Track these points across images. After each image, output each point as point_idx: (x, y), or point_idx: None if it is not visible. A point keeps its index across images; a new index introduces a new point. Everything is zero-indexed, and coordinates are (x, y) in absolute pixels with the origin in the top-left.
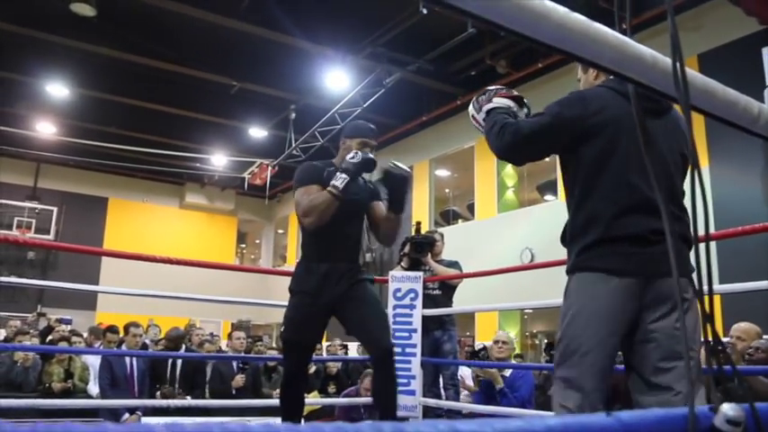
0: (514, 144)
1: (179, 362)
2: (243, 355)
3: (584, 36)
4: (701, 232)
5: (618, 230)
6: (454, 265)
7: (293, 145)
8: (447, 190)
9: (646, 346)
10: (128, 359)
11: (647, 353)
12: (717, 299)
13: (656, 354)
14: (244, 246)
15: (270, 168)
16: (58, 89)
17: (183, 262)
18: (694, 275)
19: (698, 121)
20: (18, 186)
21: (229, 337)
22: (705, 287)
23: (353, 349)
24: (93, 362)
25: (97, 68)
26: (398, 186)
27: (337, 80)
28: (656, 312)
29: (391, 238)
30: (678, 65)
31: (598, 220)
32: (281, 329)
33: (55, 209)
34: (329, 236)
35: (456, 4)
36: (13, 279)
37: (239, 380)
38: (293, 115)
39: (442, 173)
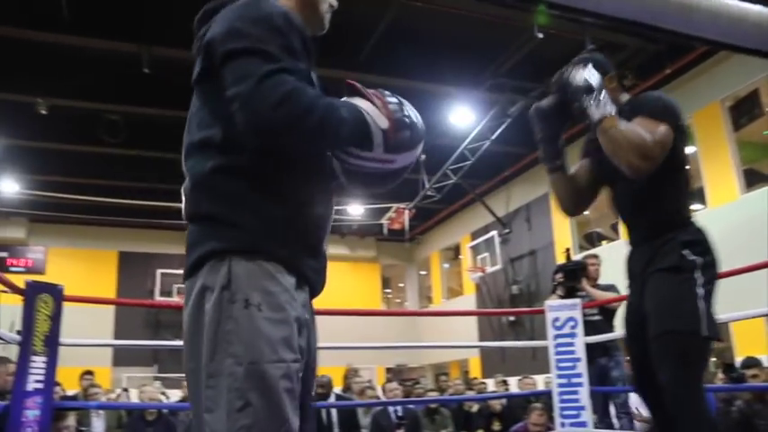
0: None
1: (333, 410)
2: (401, 399)
3: None
4: None
5: None
6: (611, 288)
7: (427, 186)
8: (586, 212)
9: None
10: None
11: None
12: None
13: None
14: (389, 291)
15: (407, 212)
16: None
17: (338, 312)
18: None
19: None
20: (175, 256)
21: (384, 388)
22: None
23: (514, 384)
24: None
25: None
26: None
27: (462, 116)
28: None
29: (623, 157)
30: None
31: None
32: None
33: None
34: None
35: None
36: (178, 342)
37: None
38: (423, 157)
39: None
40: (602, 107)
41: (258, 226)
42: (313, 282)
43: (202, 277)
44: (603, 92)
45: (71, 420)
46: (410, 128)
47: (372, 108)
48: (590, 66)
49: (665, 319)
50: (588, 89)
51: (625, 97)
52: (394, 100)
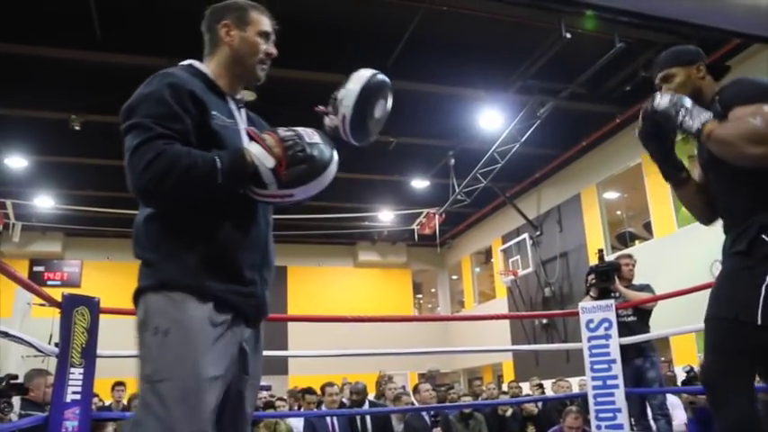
0: None
1: (367, 417)
2: (434, 405)
3: None
4: None
5: None
6: (646, 288)
7: (457, 190)
8: (619, 212)
9: None
10: (328, 419)
11: None
12: None
13: None
14: (420, 296)
15: (437, 217)
16: None
17: (370, 319)
18: None
19: None
20: None
21: (416, 390)
22: None
23: (548, 388)
24: (297, 424)
25: None
26: None
27: (491, 120)
28: None
29: (739, 152)
30: None
31: None
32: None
33: None
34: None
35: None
36: None
37: None
38: (452, 161)
39: (611, 195)
40: (696, 118)
41: (169, 264)
42: (239, 304)
43: (137, 313)
44: (689, 105)
45: (110, 430)
46: (306, 161)
47: (260, 150)
48: (660, 92)
49: (714, 304)
50: (675, 110)
51: (716, 87)
52: (291, 137)
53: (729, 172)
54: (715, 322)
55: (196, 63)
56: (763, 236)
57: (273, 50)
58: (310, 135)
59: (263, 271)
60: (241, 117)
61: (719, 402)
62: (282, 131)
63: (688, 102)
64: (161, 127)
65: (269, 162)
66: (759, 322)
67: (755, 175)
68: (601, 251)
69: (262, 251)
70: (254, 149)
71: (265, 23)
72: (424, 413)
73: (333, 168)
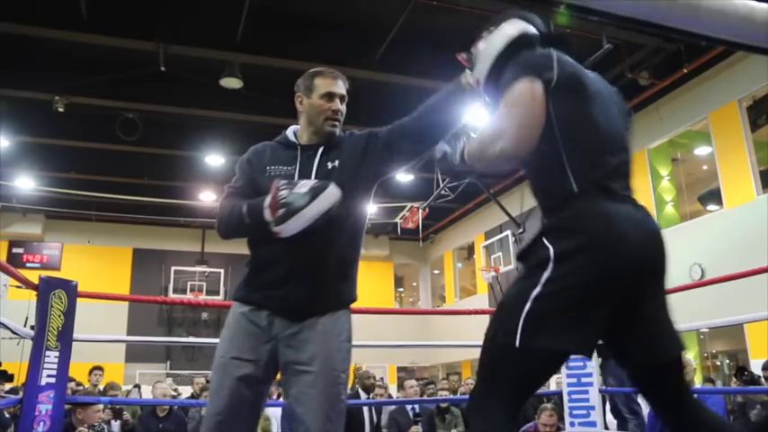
0: None
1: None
2: (417, 398)
3: None
4: None
5: None
6: None
7: (441, 185)
8: None
9: None
10: None
11: None
12: None
13: None
14: (401, 290)
15: (421, 211)
16: (215, 159)
17: (351, 310)
18: None
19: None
20: (188, 253)
21: (402, 387)
22: None
23: None
24: (276, 413)
25: (246, 135)
26: None
27: (477, 115)
28: None
29: (481, 161)
30: None
31: None
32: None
33: (222, 271)
34: None
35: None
36: (192, 339)
37: (414, 430)
38: (437, 155)
39: None
40: (457, 150)
41: (238, 282)
42: (270, 306)
43: None
44: (455, 140)
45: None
46: (284, 206)
47: (267, 200)
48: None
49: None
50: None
51: None
52: (284, 187)
53: (528, 163)
54: (483, 346)
55: (292, 127)
56: (545, 239)
57: (339, 107)
58: (302, 185)
59: (299, 278)
60: (312, 158)
61: (472, 425)
62: (282, 183)
63: (449, 144)
64: (229, 188)
65: (267, 204)
66: (517, 344)
67: (550, 162)
68: None
69: (290, 264)
70: (266, 199)
71: (328, 85)
72: (408, 409)
73: (310, 210)
